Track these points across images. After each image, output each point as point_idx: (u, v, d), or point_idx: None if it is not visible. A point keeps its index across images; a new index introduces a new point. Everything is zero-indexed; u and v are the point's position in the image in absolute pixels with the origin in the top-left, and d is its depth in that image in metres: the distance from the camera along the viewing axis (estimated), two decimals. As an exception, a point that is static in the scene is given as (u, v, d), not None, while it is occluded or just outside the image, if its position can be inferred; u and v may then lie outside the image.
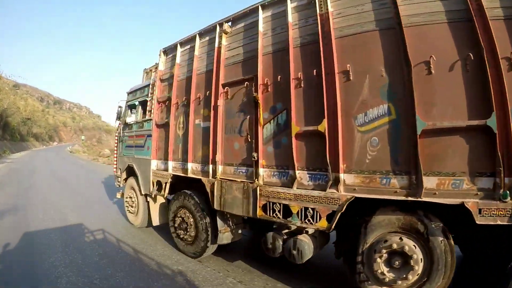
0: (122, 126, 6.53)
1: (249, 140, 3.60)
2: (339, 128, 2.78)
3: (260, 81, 3.47)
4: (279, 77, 3.33)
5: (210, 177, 4.00)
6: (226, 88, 3.93)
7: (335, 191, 2.78)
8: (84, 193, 9.77)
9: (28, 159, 25.64)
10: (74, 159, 29.48)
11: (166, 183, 4.74)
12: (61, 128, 77.49)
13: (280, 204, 3.14)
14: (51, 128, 67.69)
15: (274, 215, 3.21)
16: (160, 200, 5.43)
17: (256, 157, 3.44)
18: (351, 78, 2.79)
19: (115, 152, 7.03)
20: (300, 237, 3.06)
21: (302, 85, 3.12)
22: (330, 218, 2.78)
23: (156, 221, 5.44)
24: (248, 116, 3.64)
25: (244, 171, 3.67)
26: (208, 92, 4.19)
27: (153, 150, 5.17)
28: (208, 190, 3.97)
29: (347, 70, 2.79)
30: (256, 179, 3.42)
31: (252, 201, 3.40)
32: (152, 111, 5.29)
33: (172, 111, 4.78)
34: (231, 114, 3.89)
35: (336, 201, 2.73)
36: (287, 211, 3.11)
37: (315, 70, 2.99)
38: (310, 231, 3.14)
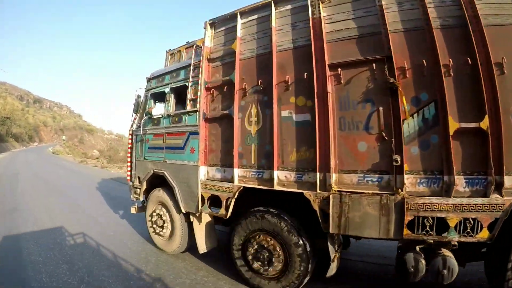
0: (142, 121, 5.03)
1: (386, 138, 2.75)
2: (502, 125, 2.47)
3: (395, 64, 2.75)
4: (423, 60, 2.68)
5: (318, 190, 2.91)
6: (338, 69, 2.93)
7: (498, 196, 2.46)
8: (81, 203, 8.20)
9: (9, 161, 23.34)
10: (59, 161, 27.36)
11: (229, 198, 3.52)
12: (41, 128, 72.99)
13: (433, 218, 2.57)
14: (31, 128, 63.70)
15: (423, 232, 2.61)
16: (206, 219, 4.17)
17: (399, 161, 2.67)
18: (505, 71, 2.50)
19: (129, 155, 5.59)
20: (446, 253, 2.65)
21: (452, 74, 2.63)
22: (491, 227, 2.45)
23: (203, 247, 4.13)
24: (381, 108, 2.79)
25: (376, 179, 2.80)
26: (306, 74, 3.09)
27: (201, 153, 3.91)
28: (317, 207, 2.90)
29: (501, 62, 2.50)
30: (400, 189, 2.67)
31: (395, 218, 2.66)
32: (199, 100, 3.98)
33: (236, 99, 3.59)
34: (348, 104, 2.93)
35: (500, 207, 2.43)
36: (439, 225, 2.59)
37: (468, 58, 2.56)
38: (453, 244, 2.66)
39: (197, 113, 3.96)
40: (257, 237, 3.30)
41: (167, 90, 4.64)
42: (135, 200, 5.28)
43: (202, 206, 3.80)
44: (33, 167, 18.84)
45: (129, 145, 5.53)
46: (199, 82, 3.97)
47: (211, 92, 3.92)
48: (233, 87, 3.62)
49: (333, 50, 3.02)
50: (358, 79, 2.89)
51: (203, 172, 3.89)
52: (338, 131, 2.90)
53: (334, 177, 2.86)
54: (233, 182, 3.51)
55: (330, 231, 2.85)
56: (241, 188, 3.43)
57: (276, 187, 3.16)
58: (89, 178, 13.88)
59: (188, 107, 4.14)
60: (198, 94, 3.97)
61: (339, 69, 2.92)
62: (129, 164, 5.50)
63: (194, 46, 4.55)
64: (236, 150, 3.51)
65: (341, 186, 2.88)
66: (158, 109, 5.01)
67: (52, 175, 14.97)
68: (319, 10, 3.13)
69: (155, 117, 4.80)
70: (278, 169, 3.18)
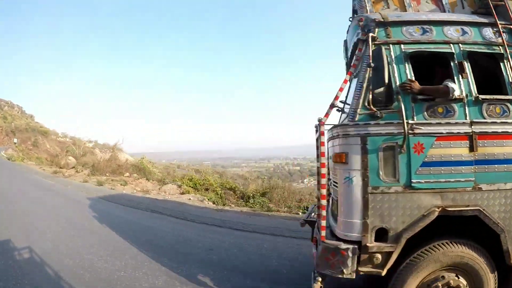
0: (402, 105, 2.62)
1: None
2: None
3: None
4: None
5: None
6: None
7: None
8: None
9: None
10: (25, 172, 20.94)
11: None
12: (-9, 129, 63.02)
13: None
14: (-21, 129, 54.21)
15: None
16: None
17: None
18: None
19: (323, 181, 2.87)
20: None
21: None
22: None
23: None
24: None
25: None
26: None
27: None
28: None
29: None
30: None
31: None
32: None
33: None
34: None
35: None
36: None
37: None
38: None
39: None
40: None
41: (457, 51, 2.82)
42: (343, 274, 2.67)
43: None
44: None
45: (322, 158, 2.84)
46: None
47: None
48: None
49: None
50: None
51: None
52: None
53: None
54: None
55: None
56: None
57: None
58: (72, 199, 8.49)
59: None
60: None
61: None
62: (324, 203, 2.80)
63: None
64: None
65: None
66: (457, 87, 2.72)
67: (45, 218, 7.56)
68: None
69: (447, 100, 2.66)
70: None
